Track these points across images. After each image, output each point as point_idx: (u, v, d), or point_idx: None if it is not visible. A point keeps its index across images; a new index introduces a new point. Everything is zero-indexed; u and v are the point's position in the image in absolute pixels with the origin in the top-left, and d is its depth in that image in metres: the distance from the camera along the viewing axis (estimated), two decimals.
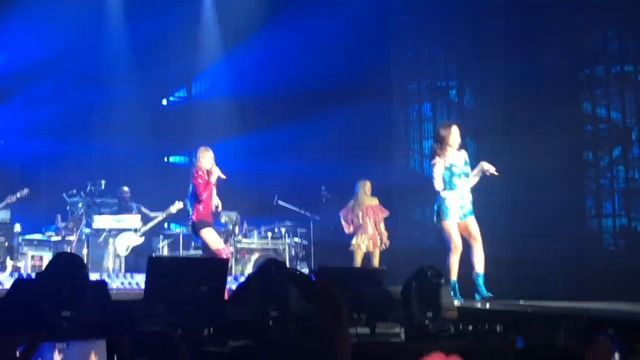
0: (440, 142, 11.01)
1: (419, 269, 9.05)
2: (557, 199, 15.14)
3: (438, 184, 10.82)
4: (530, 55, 15.37)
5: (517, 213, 15.40)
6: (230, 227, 14.90)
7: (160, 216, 14.27)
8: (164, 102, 18.38)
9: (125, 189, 14.91)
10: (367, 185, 13.82)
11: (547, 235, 15.12)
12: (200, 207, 11.51)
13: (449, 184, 10.88)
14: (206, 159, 11.92)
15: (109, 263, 13.99)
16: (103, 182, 14.50)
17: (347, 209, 13.80)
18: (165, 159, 17.94)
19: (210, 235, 11.54)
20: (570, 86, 15.91)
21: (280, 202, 15.27)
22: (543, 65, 15.16)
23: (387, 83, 17.78)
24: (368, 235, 13.62)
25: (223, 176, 11.71)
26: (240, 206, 15.38)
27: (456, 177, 11.00)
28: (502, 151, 16.11)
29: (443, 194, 10.82)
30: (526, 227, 15.26)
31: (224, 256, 11.19)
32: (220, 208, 12.02)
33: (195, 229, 11.52)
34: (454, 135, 11.14)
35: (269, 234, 15.27)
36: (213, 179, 11.65)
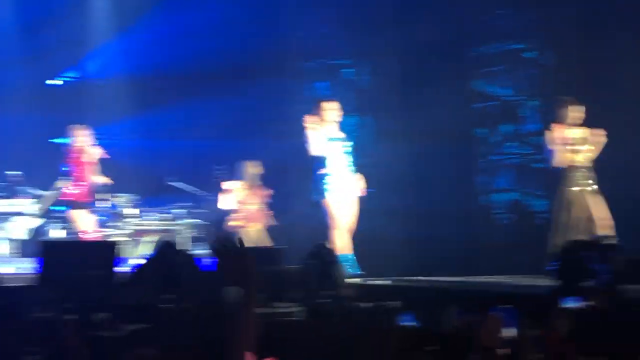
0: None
1: (314, 246, 9.05)
2: (449, 176, 15.31)
3: (314, 149, 10.92)
4: (421, 34, 15.45)
5: (410, 191, 15.52)
6: (123, 207, 14.66)
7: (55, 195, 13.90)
8: (51, 81, 17.93)
9: (13, 172, 14.49)
10: (252, 166, 13.86)
11: (439, 212, 15.27)
12: (71, 188, 11.27)
13: (329, 163, 10.96)
14: (79, 138, 11.66)
15: (3, 248, 13.66)
16: None
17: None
18: (53, 139, 17.52)
19: (76, 216, 11.35)
20: (460, 63, 16.04)
21: (171, 183, 15.10)
22: (434, 43, 15.25)
23: (282, 61, 17.66)
24: (253, 214, 13.70)
25: (105, 155, 11.46)
26: (137, 187, 15.16)
27: (336, 155, 11.09)
28: (397, 129, 16.25)
29: (323, 171, 10.88)
30: (419, 205, 15.41)
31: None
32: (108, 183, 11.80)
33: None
34: (331, 112, 11.26)
35: (165, 216, 15.08)
36: (87, 159, 11.37)
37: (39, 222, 13.98)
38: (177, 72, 16.75)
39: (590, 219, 11.17)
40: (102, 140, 17.92)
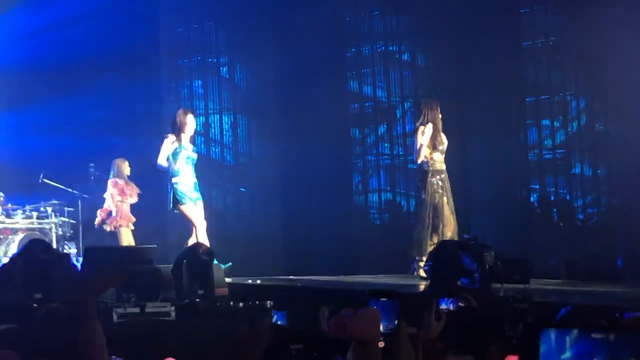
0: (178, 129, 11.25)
1: (190, 246, 8.97)
2: (326, 176, 15.35)
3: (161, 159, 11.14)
4: (297, 33, 15.49)
5: (288, 191, 15.50)
6: None
7: None
8: None
9: None
10: (125, 164, 13.81)
11: (317, 212, 15.34)
12: None
13: (177, 171, 11.14)
14: None
15: None
16: None
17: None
18: None
19: None
20: (337, 64, 16.12)
21: (46, 180, 14.71)
22: (311, 43, 15.27)
23: (157, 58, 17.44)
24: (124, 212, 13.65)
25: None
26: (3, 184, 14.70)
27: (183, 163, 11.29)
28: (274, 129, 16.24)
29: (174, 179, 11.06)
30: (296, 205, 15.42)
31: None
32: None
33: None
34: (190, 124, 11.49)
35: (34, 214, 14.68)
36: None
37: None
38: (45, 68, 16.37)
39: (442, 221, 11.36)
40: None
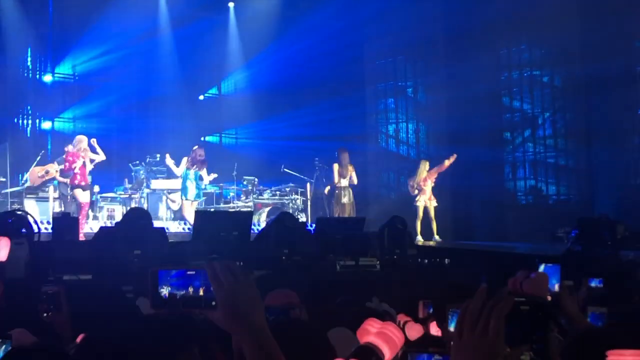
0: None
1: (391, 218, 9.07)
2: (485, 168, 15.16)
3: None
4: (463, 62, 15.31)
5: (456, 176, 15.23)
6: (250, 187, 14.87)
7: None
8: (201, 97, 18.22)
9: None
10: (426, 164, 13.53)
11: (477, 195, 15.15)
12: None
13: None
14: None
15: (163, 214, 13.92)
16: (158, 155, 14.29)
17: (413, 179, 13.41)
18: (202, 138, 17.80)
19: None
20: (493, 85, 15.86)
21: (285, 169, 15.22)
22: (473, 69, 15.06)
23: (362, 84, 17.75)
24: (427, 196, 13.21)
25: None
26: (258, 172, 15.32)
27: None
28: (446, 133, 16.15)
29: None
30: (461, 191, 15.11)
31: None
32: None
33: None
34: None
35: (277, 192, 15.23)
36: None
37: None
38: (285, 90, 16.89)
39: None
40: (235, 139, 18.36)
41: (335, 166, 13.02)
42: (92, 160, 12.02)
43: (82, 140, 11.97)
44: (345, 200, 12.85)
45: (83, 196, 11.78)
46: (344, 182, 12.92)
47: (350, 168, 13.03)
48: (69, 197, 12.02)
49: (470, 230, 14.68)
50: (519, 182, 16.03)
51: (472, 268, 7.70)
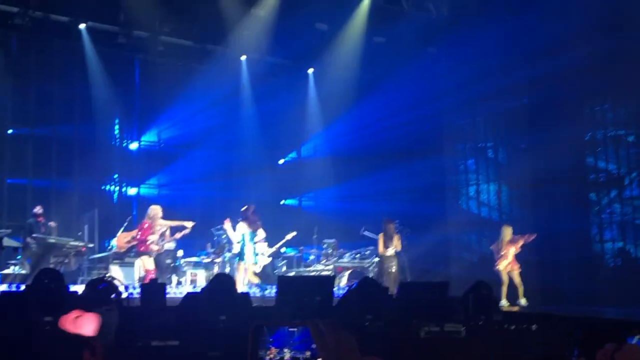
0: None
1: (476, 283, 8.91)
2: (572, 228, 14.81)
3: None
4: (546, 125, 15.15)
5: (539, 241, 14.94)
6: (330, 250, 14.89)
7: (280, 243, 14.22)
8: (281, 161, 18.53)
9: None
10: (509, 229, 13.34)
11: (564, 258, 14.78)
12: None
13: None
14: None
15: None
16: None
17: (496, 245, 13.29)
18: (282, 202, 18.04)
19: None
20: (578, 145, 15.60)
21: (365, 232, 15.20)
22: (557, 130, 14.88)
23: (441, 145, 17.72)
24: (508, 261, 13.03)
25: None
26: (337, 235, 15.34)
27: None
28: (529, 196, 15.90)
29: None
30: (547, 254, 14.77)
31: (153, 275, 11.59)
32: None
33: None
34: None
35: (358, 256, 15.18)
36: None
37: (269, 259, 14.28)
38: (363, 152, 17.03)
39: None
40: (314, 201, 18.48)
41: (381, 236, 13.25)
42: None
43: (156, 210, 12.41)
44: (393, 270, 13.02)
45: (149, 263, 12.09)
46: (390, 252, 13.08)
47: (396, 237, 13.20)
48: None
49: (559, 294, 14.28)
50: (606, 245, 15.57)
51: (559, 334, 7.46)
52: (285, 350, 1.48)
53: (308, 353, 1.49)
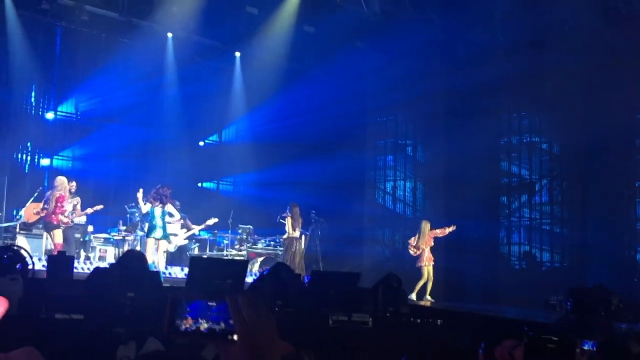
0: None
1: (386, 275, 9.04)
2: (480, 230, 15.20)
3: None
4: (464, 126, 15.49)
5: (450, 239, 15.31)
6: (245, 235, 14.84)
7: (198, 228, 14.07)
8: (201, 143, 18.31)
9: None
10: (427, 224, 13.55)
11: (471, 258, 15.12)
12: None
13: None
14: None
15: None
16: None
17: (415, 239, 13.44)
18: (199, 184, 17.83)
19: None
20: (492, 150, 16.04)
21: (281, 220, 15.15)
22: (473, 133, 15.24)
23: (363, 139, 17.90)
24: (427, 256, 13.25)
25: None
26: (253, 222, 15.31)
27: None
28: (443, 193, 16.24)
29: None
30: (454, 253, 15.10)
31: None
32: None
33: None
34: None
35: (272, 243, 15.19)
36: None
37: (185, 242, 14.13)
38: (285, 141, 17.00)
39: None
40: (232, 186, 18.32)
41: (288, 219, 13.69)
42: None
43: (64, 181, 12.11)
44: (301, 248, 13.71)
45: (58, 236, 11.78)
46: (297, 233, 13.68)
47: (300, 221, 13.81)
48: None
49: (463, 292, 14.66)
50: (513, 247, 16.09)
51: (463, 330, 7.68)
52: (202, 320, 1.49)
53: (223, 324, 1.49)
